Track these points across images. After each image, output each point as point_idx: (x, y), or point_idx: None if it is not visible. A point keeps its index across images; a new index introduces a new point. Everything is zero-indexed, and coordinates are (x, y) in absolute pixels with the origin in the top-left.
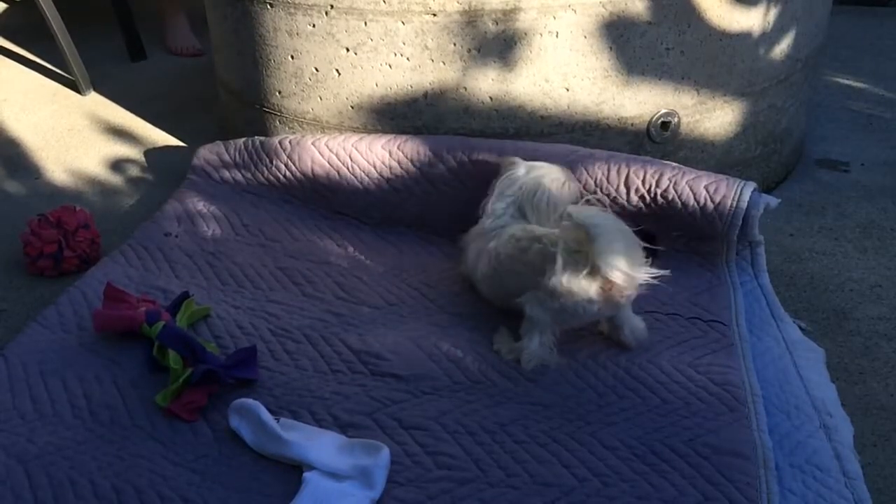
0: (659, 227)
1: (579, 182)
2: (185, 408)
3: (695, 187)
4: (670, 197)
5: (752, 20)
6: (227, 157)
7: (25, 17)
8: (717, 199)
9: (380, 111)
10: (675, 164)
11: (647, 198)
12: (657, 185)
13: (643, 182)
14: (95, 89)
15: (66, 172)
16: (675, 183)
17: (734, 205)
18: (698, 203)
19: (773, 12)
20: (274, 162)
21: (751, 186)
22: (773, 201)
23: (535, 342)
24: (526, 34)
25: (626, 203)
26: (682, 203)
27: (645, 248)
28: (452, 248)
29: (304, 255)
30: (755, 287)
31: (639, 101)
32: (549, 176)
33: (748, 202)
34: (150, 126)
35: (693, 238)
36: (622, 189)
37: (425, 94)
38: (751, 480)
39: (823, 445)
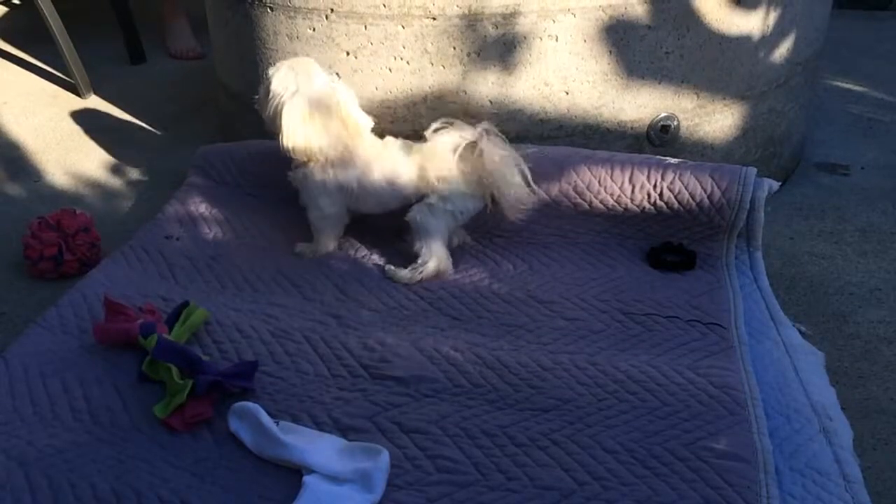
0: (662, 231)
1: (582, 183)
2: (188, 421)
3: (700, 177)
4: (677, 189)
5: (752, 24)
6: (228, 159)
7: (26, 19)
8: (724, 185)
9: (380, 114)
10: (675, 158)
11: (653, 194)
12: (662, 179)
13: (648, 177)
14: (96, 92)
15: (67, 175)
16: (680, 174)
17: (741, 189)
18: (706, 191)
19: (773, 16)
20: (275, 164)
21: (753, 171)
22: (773, 185)
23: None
24: (525, 38)
25: (629, 202)
26: (690, 193)
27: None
28: (452, 251)
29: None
30: (755, 290)
31: (638, 105)
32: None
33: (753, 185)
34: (151, 129)
35: (695, 240)
36: (626, 186)
37: (425, 98)
38: (751, 484)
39: (823, 449)
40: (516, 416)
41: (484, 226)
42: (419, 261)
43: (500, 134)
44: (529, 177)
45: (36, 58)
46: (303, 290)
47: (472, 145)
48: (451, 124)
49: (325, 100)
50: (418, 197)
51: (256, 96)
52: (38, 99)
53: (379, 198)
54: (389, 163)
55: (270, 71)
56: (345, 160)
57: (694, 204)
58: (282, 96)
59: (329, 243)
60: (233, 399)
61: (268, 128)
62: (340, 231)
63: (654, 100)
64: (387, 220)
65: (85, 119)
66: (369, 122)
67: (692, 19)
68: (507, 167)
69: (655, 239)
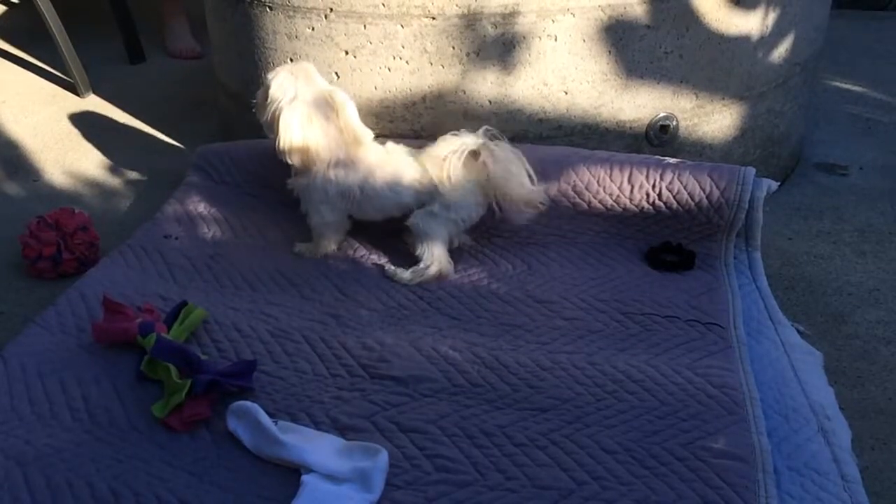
0: (661, 231)
1: (581, 183)
2: (186, 420)
3: (698, 177)
4: (675, 189)
5: (751, 24)
6: (227, 159)
7: (24, 19)
8: (722, 185)
9: (379, 114)
10: (674, 158)
11: (652, 194)
12: (661, 179)
13: (647, 177)
14: (94, 92)
15: (65, 174)
16: (678, 174)
17: (739, 189)
18: (704, 191)
19: (772, 16)
20: (274, 164)
21: (752, 171)
22: (772, 185)
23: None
24: (525, 38)
25: (628, 202)
26: (689, 193)
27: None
28: (451, 251)
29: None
30: (753, 290)
31: (637, 105)
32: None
33: (752, 184)
34: (150, 128)
35: (694, 240)
36: (626, 186)
37: (424, 98)
38: (749, 484)
39: (822, 449)
40: (515, 416)
41: (483, 226)
42: (421, 265)
43: (502, 136)
44: (534, 177)
45: (35, 57)
46: (301, 289)
47: (475, 153)
48: (456, 135)
49: (324, 106)
50: (420, 204)
51: (254, 100)
52: (37, 98)
53: (381, 205)
54: (392, 169)
55: (269, 75)
56: (346, 166)
57: (693, 204)
58: (280, 101)
59: (329, 246)
60: (231, 398)
61: (266, 132)
62: (342, 236)
63: (652, 100)
64: (387, 223)
65: (84, 118)
66: (369, 133)
67: (691, 19)
68: (512, 171)
69: (654, 239)
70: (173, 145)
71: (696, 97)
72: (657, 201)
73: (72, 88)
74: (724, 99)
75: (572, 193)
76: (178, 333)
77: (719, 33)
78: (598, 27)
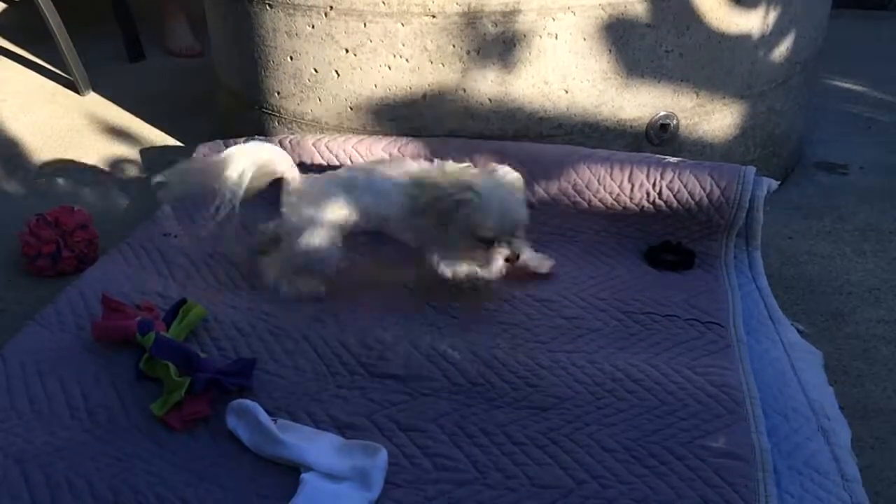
0: (661, 230)
1: (581, 181)
2: (186, 419)
3: (699, 176)
4: (676, 188)
5: (752, 23)
6: None
7: (25, 17)
8: (723, 184)
9: (379, 112)
10: (674, 157)
11: (652, 193)
12: (661, 178)
13: (647, 176)
14: (94, 90)
15: (65, 172)
16: (679, 173)
17: (739, 188)
18: (704, 190)
19: (773, 15)
20: None
21: (752, 170)
22: (773, 184)
23: None
24: (525, 36)
25: (628, 201)
26: (689, 192)
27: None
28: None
29: None
30: (753, 289)
31: (638, 104)
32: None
33: (752, 183)
34: (149, 126)
35: (694, 239)
36: (626, 185)
37: (424, 96)
38: (749, 483)
39: (821, 448)
40: (514, 415)
41: None
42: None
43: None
44: None
45: (35, 55)
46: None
47: None
48: None
49: None
50: None
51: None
52: (37, 96)
53: None
54: None
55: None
56: None
57: (693, 203)
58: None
59: None
60: (231, 397)
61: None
62: None
63: (653, 98)
64: None
65: (83, 116)
66: None
67: (692, 18)
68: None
69: (654, 238)
70: (173, 143)
71: (697, 96)
72: (657, 200)
73: (72, 86)
74: (724, 98)
75: (572, 192)
76: (177, 332)
77: (720, 32)
78: (599, 25)
